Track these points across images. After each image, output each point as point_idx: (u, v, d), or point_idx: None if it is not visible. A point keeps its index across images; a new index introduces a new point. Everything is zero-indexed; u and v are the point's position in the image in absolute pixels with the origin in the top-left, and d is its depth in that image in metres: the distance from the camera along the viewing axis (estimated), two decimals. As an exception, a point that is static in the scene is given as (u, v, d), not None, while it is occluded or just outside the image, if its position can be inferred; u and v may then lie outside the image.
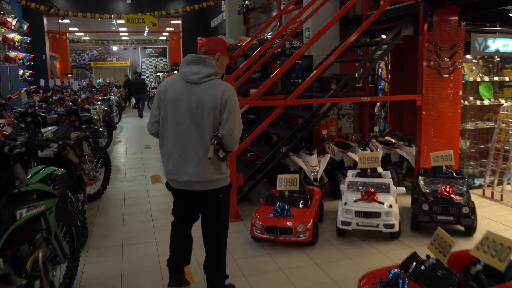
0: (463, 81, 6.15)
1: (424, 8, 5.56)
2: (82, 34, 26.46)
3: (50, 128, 5.18)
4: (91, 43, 28.13)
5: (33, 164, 3.95)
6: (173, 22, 22.71)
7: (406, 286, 2.51)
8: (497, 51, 6.17)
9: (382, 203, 4.47)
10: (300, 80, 7.67)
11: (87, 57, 30.01)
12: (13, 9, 15.21)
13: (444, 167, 5.06)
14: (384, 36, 7.90)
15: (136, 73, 17.88)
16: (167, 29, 24.74)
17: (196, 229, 3.37)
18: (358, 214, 4.46)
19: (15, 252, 2.52)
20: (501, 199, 5.90)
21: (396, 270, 2.64)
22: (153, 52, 30.66)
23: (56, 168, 3.37)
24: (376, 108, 9.08)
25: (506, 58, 6.75)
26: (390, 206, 4.46)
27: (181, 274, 3.43)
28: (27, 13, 17.13)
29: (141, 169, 8.14)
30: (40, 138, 3.64)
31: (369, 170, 4.97)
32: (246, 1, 11.86)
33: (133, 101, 19.10)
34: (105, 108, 10.58)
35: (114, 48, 30.35)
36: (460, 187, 4.76)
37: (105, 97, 13.31)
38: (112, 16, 15.88)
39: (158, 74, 25.71)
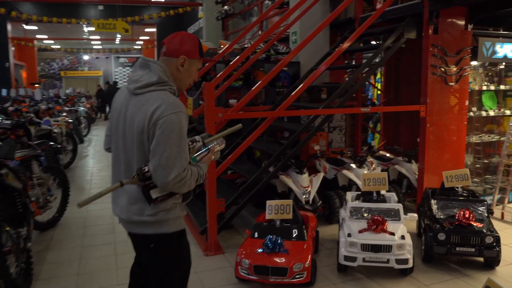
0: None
1: (429, 8, 4.93)
2: (51, 42, 25.22)
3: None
4: (61, 52, 26.84)
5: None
6: (147, 30, 21.82)
7: None
8: (505, 57, 5.60)
9: (393, 234, 3.74)
10: (285, 90, 6.98)
11: (57, 66, 28.65)
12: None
13: (459, 188, 4.38)
14: (373, 42, 7.31)
15: (108, 83, 16.87)
16: (141, 37, 23.79)
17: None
18: (365, 247, 3.71)
19: None
20: (513, 220, 5.28)
21: None
22: (127, 61, 29.56)
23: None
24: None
25: (509, 65, 6.20)
26: (403, 237, 3.74)
27: None
28: (-12, 18, 15.99)
29: (108, 189, 7.21)
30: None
31: (375, 194, 4.24)
32: (225, 7, 11.18)
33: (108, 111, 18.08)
34: (71, 120, 9.63)
35: (86, 57, 29.13)
36: (480, 212, 4.08)
37: (72, 108, 12.29)
38: (81, 21, 14.88)
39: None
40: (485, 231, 3.85)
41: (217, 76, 4.96)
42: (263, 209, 5.75)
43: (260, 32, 9.26)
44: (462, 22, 5.19)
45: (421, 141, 5.31)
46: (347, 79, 9.17)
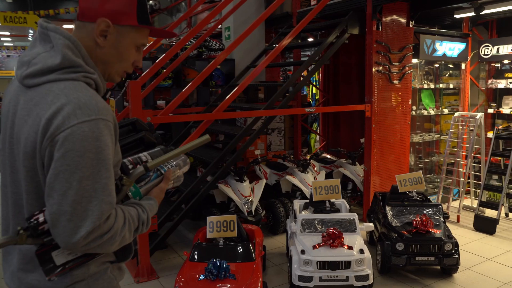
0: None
1: (373, 3, 4.66)
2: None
3: None
4: (-37, 50, 24.10)
5: None
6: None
7: None
8: (444, 55, 5.51)
9: (351, 248, 3.36)
10: (219, 89, 6.46)
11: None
12: None
13: (413, 192, 4.11)
14: (312, 39, 7.02)
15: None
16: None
17: None
18: (321, 265, 3.29)
19: None
20: (458, 220, 5.19)
21: None
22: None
23: None
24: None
25: (445, 64, 6.17)
26: (362, 251, 3.37)
27: None
28: None
29: None
30: None
31: (327, 203, 3.84)
32: (150, 2, 10.38)
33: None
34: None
35: (-5, 56, 26.46)
36: (436, 217, 3.83)
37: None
38: (-16, 14, 13.20)
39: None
40: (444, 238, 3.60)
41: (143, 74, 4.30)
42: (200, 221, 5.21)
43: (187, 30, 8.64)
44: (404, 19, 5.00)
45: (367, 142, 5.05)
46: (281, 78, 8.88)
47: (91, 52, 1.34)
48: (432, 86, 5.80)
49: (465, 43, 5.79)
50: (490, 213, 5.04)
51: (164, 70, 5.30)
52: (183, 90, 4.23)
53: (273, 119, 4.56)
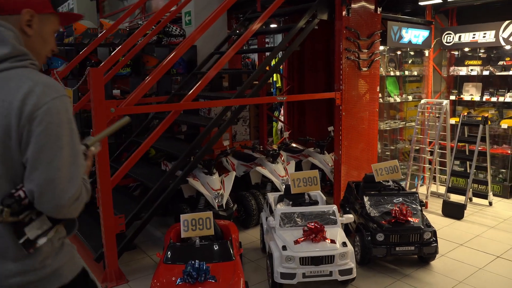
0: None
1: (342, -13, 4.54)
2: None
3: None
4: None
5: None
6: None
7: None
8: (410, 42, 5.51)
9: (334, 242, 3.25)
10: (180, 78, 6.16)
11: None
12: None
13: (390, 181, 4.07)
14: (274, 25, 6.84)
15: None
16: None
17: None
18: (304, 261, 3.16)
19: None
20: (426, 206, 5.24)
21: None
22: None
23: None
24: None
25: (407, 52, 6.20)
26: (344, 244, 3.26)
27: None
28: None
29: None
30: None
31: (306, 196, 3.70)
32: (99, -15, 9.79)
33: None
34: None
35: None
36: (414, 206, 3.80)
37: None
38: None
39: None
40: (423, 227, 3.58)
41: (105, 62, 3.92)
42: (168, 218, 4.95)
43: (143, 18, 8.19)
44: (373, 6, 4.92)
45: (336, 130, 4.97)
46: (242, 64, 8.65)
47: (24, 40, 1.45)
48: (398, 73, 5.79)
49: (428, 31, 5.82)
50: (455, 198, 5.13)
51: (123, 58, 4.95)
52: (146, 82, 3.90)
53: (243, 108, 4.36)
